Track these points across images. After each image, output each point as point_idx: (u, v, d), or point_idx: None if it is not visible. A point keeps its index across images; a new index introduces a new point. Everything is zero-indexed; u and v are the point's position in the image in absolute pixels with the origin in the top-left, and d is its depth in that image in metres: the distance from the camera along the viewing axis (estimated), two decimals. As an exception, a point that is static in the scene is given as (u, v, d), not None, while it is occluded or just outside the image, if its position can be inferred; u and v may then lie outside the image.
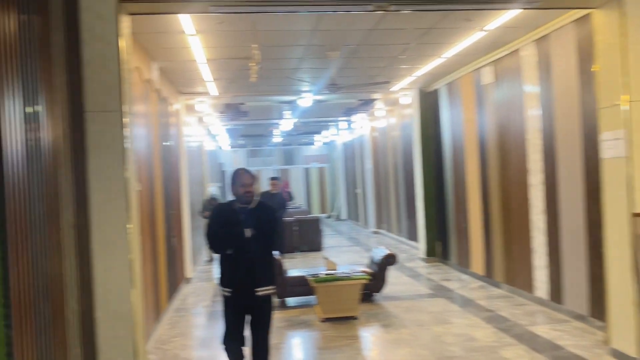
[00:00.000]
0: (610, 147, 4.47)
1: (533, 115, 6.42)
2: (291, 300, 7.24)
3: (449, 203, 9.34)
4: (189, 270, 9.16)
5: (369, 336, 5.77)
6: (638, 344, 4.26)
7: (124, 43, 3.92)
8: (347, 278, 6.23)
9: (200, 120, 12.41)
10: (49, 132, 3.28)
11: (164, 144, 7.34)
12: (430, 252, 9.89)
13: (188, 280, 9.02)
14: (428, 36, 6.36)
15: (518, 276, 7.00)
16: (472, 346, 5.10)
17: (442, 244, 9.73)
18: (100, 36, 3.81)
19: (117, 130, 3.85)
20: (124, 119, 3.88)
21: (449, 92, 9.13)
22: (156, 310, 6.20)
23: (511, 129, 7.00)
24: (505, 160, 7.22)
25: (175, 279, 7.80)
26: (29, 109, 2.94)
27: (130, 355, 3.76)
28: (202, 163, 13.88)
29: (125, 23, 4.03)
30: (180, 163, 9.10)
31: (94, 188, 3.75)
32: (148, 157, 6.08)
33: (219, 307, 7.33)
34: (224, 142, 19.92)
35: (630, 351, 4.33)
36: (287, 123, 14.87)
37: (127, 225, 3.80)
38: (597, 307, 5.37)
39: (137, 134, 5.09)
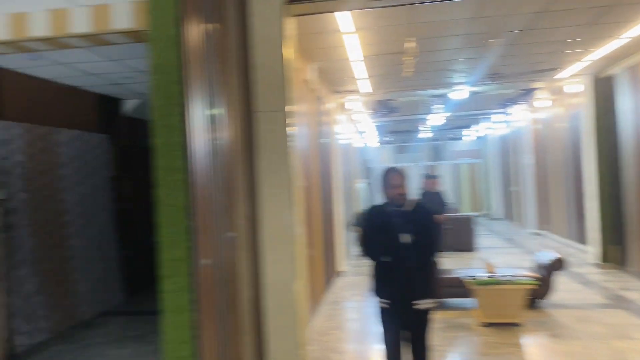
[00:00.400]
0: None
1: None
2: (446, 302, 6.99)
3: (628, 202, 8.24)
4: (342, 263, 9.35)
5: (535, 345, 5.31)
6: None
7: (288, 45, 4.09)
8: (511, 282, 5.80)
9: (350, 118, 12.61)
10: (227, 131, 3.53)
11: (320, 141, 7.57)
12: (605, 257, 8.84)
13: (340, 274, 9.22)
14: (607, 15, 5.65)
15: None
16: (666, 369, 4.42)
17: (619, 249, 8.62)
18: (267, 39, 4.01)
19: (282, 129, 4.02)
20: (288, 119, 4.04)
21: (632, 77, 8.03)
22: (313, 302, 6.42)
23: None
24: None
25: (330, 272, 8.02)
26: (212, 111, 3.18)
27: (295, 344, 3.91)
28: (350, 160, 14.12)
29: (290, 25, 4.20)
30: (333, 159, 9.33)
31: (263, 183, 3.96)
32: (307, 154, 6.31)
33: (371, 304, 7.43)
34: (372, 138, 20.06)
35: None
36: (437, 117, 14.44)
37: (291, 219, 3.95)
38: None
39: (299, 132, 5.30)
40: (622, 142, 8.37)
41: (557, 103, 11.89)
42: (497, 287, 5.76)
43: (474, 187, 21.79)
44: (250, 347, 3.67)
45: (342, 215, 9.62)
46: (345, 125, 12.41)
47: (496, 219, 18.95)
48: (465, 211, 20.84)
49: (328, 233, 8.05)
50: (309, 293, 6.14)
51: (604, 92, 8.82)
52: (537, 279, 6.32)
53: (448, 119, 14.86)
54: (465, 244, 11.69)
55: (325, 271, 7.45)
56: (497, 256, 10.85)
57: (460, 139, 23.35)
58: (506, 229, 15.87)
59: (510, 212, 17.37)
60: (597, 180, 8.91)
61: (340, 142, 11.17)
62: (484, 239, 13.50)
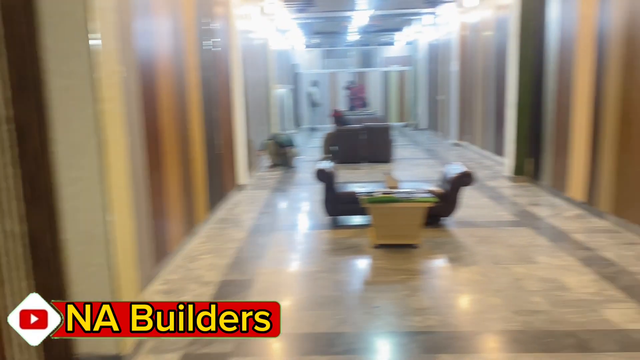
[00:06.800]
0: None
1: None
2: (343, 219, 6.30)
3: (548, 113, 7.65)
4: (243, 177, 8.42)
5: (430, 272, 4.71)
6: None
7: None
8: (408, 200, 5.08)
9: (263, 11, 11.12)
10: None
11: (202, 38, 6.29)
12: (519, 170, 8.39)
13: (241, 188, 8.32)
14: None
15: (632, 206, 5.49)
16: (562, 299, 3.89)
17: (533, 161, 8.17)
18: None
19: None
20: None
21: (562, -29, 7.11)
22: (189, 223, 5.49)
23: (647, 13, 5.14)
24: (632, 60, 5.43)
25: (220, 187, 7.07)
26: None
27: (107, 287, 2.97)
28: (267, 63, 12.77)
29: None
30: (232, 62, 8.05)
31: (52, 71, 2.78)
32: (174, 51, 5.06)
33: (267, 219, 6.66)
34: (297, 40, 18.55)
35: None
36: (362, 16, 13.16)
37: (95, 121, 2.85)
38: None
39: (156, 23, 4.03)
40: (548, 49, 7.59)
41: (486, 4, 10.92)
42: (390, 205, 5.02)
43: (402, 96, 21.07)
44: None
45: (243, 124, 8.52)
46: (257, 22, 10.94)
47: (422, 129, 18.49)
48: (392, 121, 20.23)
49: (218, 143, 6.98)
50: (181, 213, 5.19)
51: (533, -9, 7.89)
52: (439, 195, 5.67)
53: (374, 18, 13.62)
54: (382, 155, 11.04)
55: (212, 186, 6.48)
56: (412, 168, 10.30)
57: (392, 44, 22.22)
58: (429, 140, 15.40)
59: (435, 122, 16.88)
60: (517, 88, 8.22)
61: (248, 42, 9.80)
62: (403, 149, 12.92)
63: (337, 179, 6.28)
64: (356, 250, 5.22)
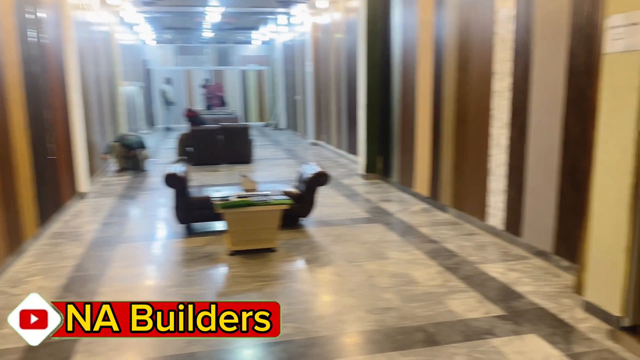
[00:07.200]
0: (619, 37, 3.18)
1: None
2: (197, 227, 5.96)
3: (395, 113, 8.05)
4: (83, 183, 7.60)
5: (286, 277, 4.59)
6: (624, 299, 3.27)
7: None
8: (264, 203, 4.92)
9: (105, 1, 10.20)
10: None
11: (28, 32, 5.51)
12: (371, 168, 8.74)
13: (82, 196, 7.50)
14: None
15: (469, 200, 5.96)
16: (411, 293, 4.03)
17: (383, 159, 8.56)
18: None
19: None
20: None
21: (403, -21, 7.51)
22: (12, 240, 4.74)
23: (476, 21, 5.59)
24: (465, 62, 5.88)
25: (54, 196, 6.27)
26: None
27: None
28: (112, 58, 11.79)
29: None
30: (67, 56, 7.21)
31: None
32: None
33: (112, 230, 6.04)
34: (147, 35, 17.48)
35: (612, 307, 3.35)
36: (215, 13, 12.77)
37: None
38: (565, 243, 4.39)
39: None
40: (393, 51, 7.98)
41: (336, 6, 11.23)
42: (245, 209, 4.83)
43: (262, 96, 21.01)
44: None
45: (82, 125, 7.69)
46: (99, 13, 10.00)
47: (281, 129, 18.60)
48: (251, 121, 20.09)
49: (50, 147, 6.18)
50: (1, 227, 4.44)
51: (379, -3, 8.25)
52: (296, 196, 5.61)
53: (228, 15, 13.29)
54: (241, 156, 10.82)
55: (42, 196, 5.70)
56: (272, 168, 10.24)
57: (250, 42, 22.04)
58: (288, 140, 15.51)
59: (294, 121, 17.07)
60: (367, 89, 8.54)
61: (88, 35, 8.91)
62: (263, 149, 12.85)
63: (189, 183, 5.92)
64: (211, 259, 4.93)
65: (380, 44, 8.35)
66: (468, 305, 3.79)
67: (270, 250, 5.06)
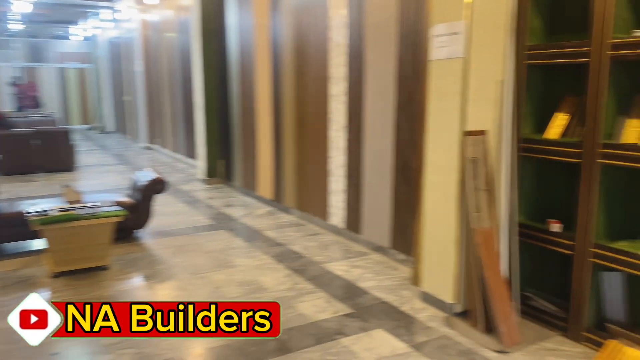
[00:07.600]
0: (442, 46, 3.45)
1: (339, 3, 5.20)
2: (10, 247, 5.12)
3: (235, 116, 7.88)
4: None
5: (121, 297, 4.13)
6: (455, 288, 3.57)
7: None
8: (91, 216, 4.38)
9: None
10: None
11: None
12: (211, 172, 8.45)
13: None
14: None
15: (311, 201, 6.06)
16: (261, 301, 3.92)
17: (225, 163, 8.33)
18: None
19: None
20: None
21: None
22: None
23: (311, 25, 5.70)
24: (302, 66, 5.97)
25: None
26: None
27: None
28: None
29: None
30: None
31: None
32: None
33: None
34: None
35: (445, 296, 3.63)
36: (23, 2, 11.24)
37: None
38: (401, 238, 4.68)
39: None
40: (230, 52, 7.81)
41: (165, 4, 10.68)
42: (70, 224, 4.26)
43: (85, 96, 19.17)
44: None
45: None
46: None
47: (109, 132, 17.16)
48: (73, 124, 18.23)
49: None
50: None
51: (213, -7, 8.00)
52: (129, 206, 5.13)
53: (40, 6, 11.80)
54: (62, 163, 9.67)
55: None
56: (100, 176, 9.34)
57: (68, 38, 19.94)
58: (117, 144, 14.37)
59: (123, 124, 15.87)
60: (204, 91, 8.24)
61: None
62: (89, 155, 11.69)
63: (-4, 198, 5.05)
64: (29, 284, 4.24)
65: (216, 45, 8.11)
66: (317, 307, 3.80)
67: (102, 268, 4.54)
